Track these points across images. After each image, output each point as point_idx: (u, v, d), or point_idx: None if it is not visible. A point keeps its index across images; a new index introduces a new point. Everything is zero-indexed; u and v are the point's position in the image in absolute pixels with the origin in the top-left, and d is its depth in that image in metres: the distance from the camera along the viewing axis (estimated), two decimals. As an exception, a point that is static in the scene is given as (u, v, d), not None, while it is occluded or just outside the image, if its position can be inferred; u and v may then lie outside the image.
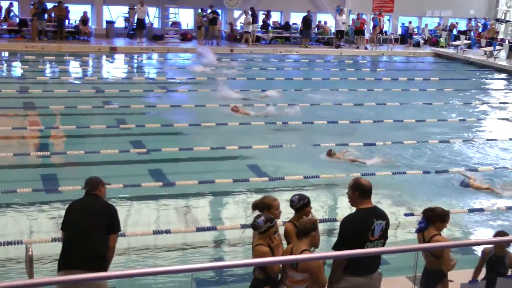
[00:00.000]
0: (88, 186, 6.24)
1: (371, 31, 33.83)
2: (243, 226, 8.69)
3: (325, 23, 34.15)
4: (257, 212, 6.07)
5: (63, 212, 6.68)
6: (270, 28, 33.38)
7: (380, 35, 33.43)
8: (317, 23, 34.42)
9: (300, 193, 6.41)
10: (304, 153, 13.08)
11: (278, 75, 22.98)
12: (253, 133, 14.50)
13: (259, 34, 32.73)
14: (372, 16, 33.73)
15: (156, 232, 8.62)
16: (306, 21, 31.76)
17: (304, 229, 5.71)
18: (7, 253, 7.98)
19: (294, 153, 13.10)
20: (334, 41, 32.39)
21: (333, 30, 33.20)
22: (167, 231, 8.62)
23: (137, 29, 29.91)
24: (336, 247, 5.55)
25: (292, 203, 6.29)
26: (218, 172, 11.48)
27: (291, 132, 14.81)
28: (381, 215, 5.65)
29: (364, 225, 5.52)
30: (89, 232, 5.92)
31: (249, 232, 6.18)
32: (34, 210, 9.57)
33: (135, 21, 29.86)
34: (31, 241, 7.44)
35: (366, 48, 32.26)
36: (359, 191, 5.62)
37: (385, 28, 35.39)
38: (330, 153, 12.84)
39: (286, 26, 33.74)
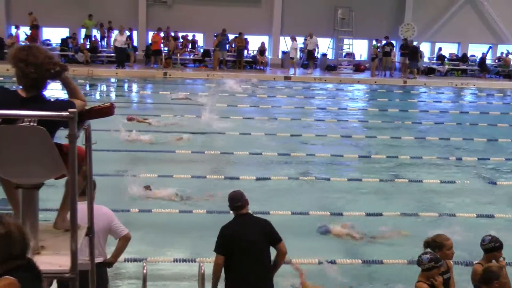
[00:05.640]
0: (239, 202, 6.38)
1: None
2: (410, 262, 8.47)
3: (507, 54, 32.40)
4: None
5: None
6: (446, 60, 32.38)
7: None
8: (498, 55, 32.96)
9: (494, 235, 6.15)
10: (479, 191, 12.54)
11: (453, 108, 22.26)
12: (419, 164, 14.19)
13: (434, 66, 31.88)
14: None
15: (321, 263, 8.66)
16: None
17: (486, 275, 5.46)
18: (181, 270, 8.53)
19: (468, 190, 12.57)
20: (516, 74, 30.67)
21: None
22: (332, 262, 8.65)
23: (308, 59, 30.58)
24: None
25: (482, 243, 6.07)
26: (386, 205, 11.32)
27: (465, 168, 14.28)
28: None
29: None
30: (261, 254, 6.25)
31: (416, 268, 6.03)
32: (207, 230, 10.04)
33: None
34: (203, 260, 7.83)
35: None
36: None
37: None
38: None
39: (464, 58, 32.50)
